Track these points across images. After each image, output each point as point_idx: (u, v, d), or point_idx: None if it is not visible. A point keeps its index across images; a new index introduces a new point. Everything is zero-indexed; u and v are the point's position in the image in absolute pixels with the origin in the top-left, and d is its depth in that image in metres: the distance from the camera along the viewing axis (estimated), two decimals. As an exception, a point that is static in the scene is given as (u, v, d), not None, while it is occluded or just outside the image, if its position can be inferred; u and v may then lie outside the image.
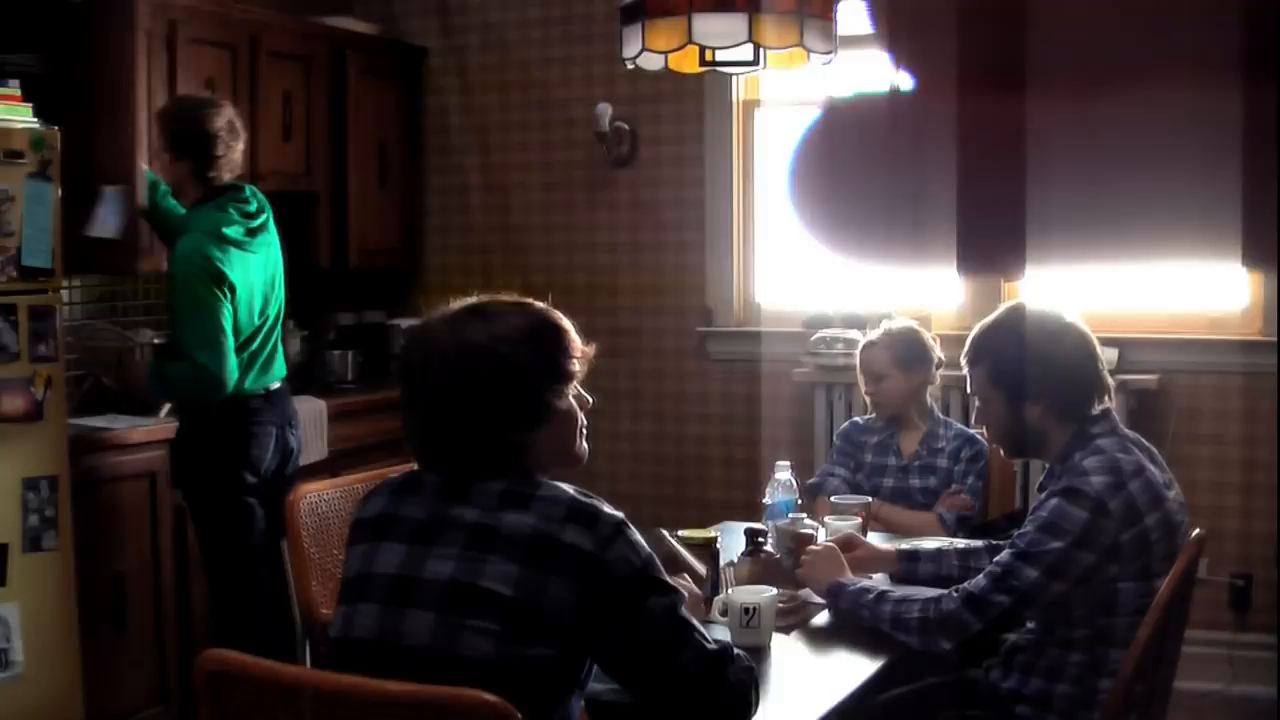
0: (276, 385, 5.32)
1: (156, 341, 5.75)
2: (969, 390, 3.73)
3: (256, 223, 5.18)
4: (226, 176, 5.16)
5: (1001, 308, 3.72)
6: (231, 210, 5.09)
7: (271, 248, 5.31)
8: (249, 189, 5.24)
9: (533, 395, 2.67)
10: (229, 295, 4.96)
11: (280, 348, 5.38)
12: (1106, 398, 3.56)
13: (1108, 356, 3.79)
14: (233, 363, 4.96)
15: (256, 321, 5.17)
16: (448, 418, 2.65)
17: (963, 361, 3.72)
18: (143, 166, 5.53)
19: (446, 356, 2.65)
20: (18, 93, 4.90)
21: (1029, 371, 3.51)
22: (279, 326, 5.37)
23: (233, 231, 5.04)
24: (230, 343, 4.96)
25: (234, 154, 5.16)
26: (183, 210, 5.18)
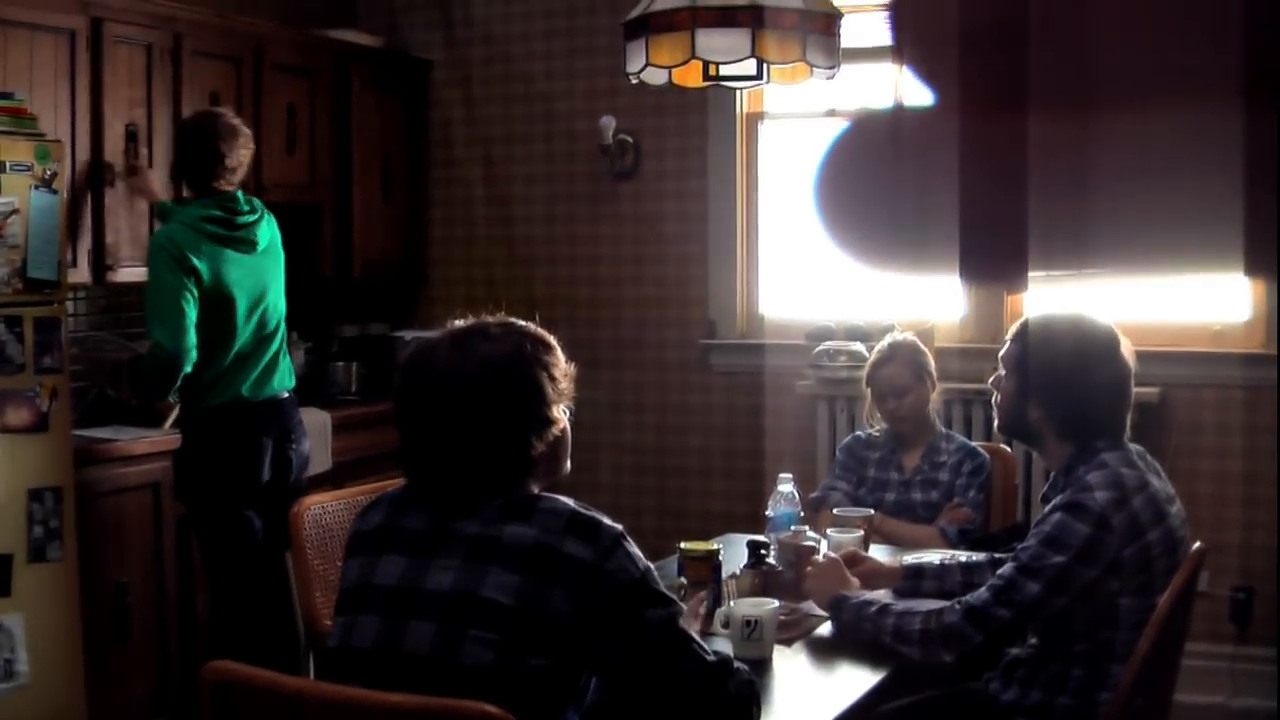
0: (279, 396, 5.33)
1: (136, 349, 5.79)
2: (999, 355, 3.70)
3: (243, 220, 5.19)
4: (223, 185, 5.20)
5: (1068, 310, 3.67)
6: (215, 209, 5.12)
7: (269, 256, 5.33)
8: (241, 195, 5.25)
9: (539, 413, 2.70)
10: (194, 280, 4.99)
11: (286, 359, 5.40)
12: (1119, 430, 3.54)
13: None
14: (190, 340, 4.97)
15: (246, 325, 5.19)
16: (453, 436, 2.67)
17: (1010, 332, 3.70)
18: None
19: (451, 376, 2.68)
20: (25, 105, 4.92)
21: (1051, 378, 3.51)
22: (279, 336, 5.37)
23: (211, 226, 5.08)
24: (189, 322, 4.96)
25: (222, 162, 5.19)
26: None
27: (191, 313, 4.98)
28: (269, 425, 5.27)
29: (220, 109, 5.48)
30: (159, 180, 5.80)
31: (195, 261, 5.00)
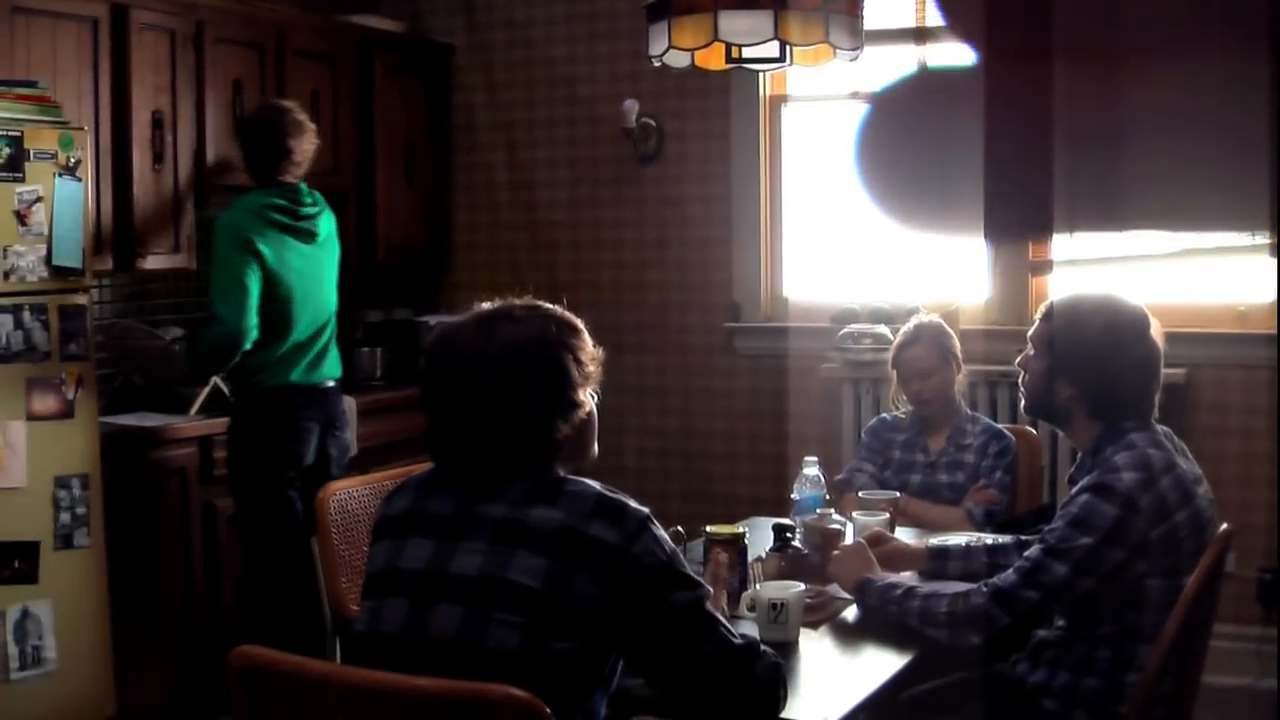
0: (325, 384, 5.46)
1: (159, 334, 5.87)
2: (1029, 335, 3.70)
3: (306, 212, 5.34)
4: (288, 177, 5.35)
5: (1100, 291, 3.65)
6: (279, 198, 5.26)
7: (326, 248, 5.48)
8: (304, 187, 5.40)
9: (565, 396, 2.70)
10: (257, 262, 5.12)
11: (334, 350, 5.52)
12: (1147, 409, 3.53)
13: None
14: (252, 319, 5.09)
15: (303, 313, 5.31)
16: (482, 420, 2.68)
17: (1040, 311, 3.69)
18: None
19: (475, 358, 2.68)
20: (48, 93, 4.93)
21: (1082, 356, 3.50)
22: (330, 327, 5.50)
23: (275, 214, 5.22)
24: (252, 301, 5.10)
25: (289, 156, 5.35)
26: None
27: (255, 291, 5.11)
28: (316, 411, 5.39)
29: (286, 103, 5.55)
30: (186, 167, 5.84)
31: (259, 245, 5.14)
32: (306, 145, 5.41)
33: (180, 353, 5.70)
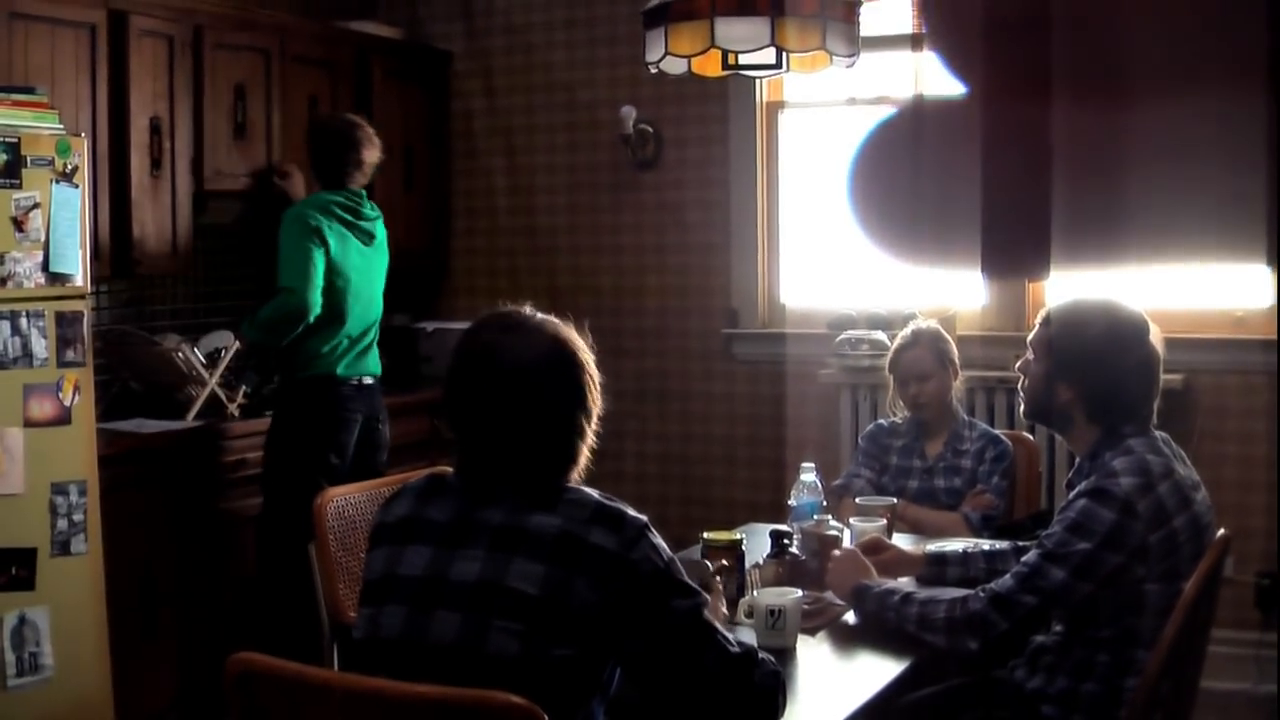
0: (369, 380, 5.74)
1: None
2: (1029, 340, 3.69)
3: (367, 214, 5.72)
4: (352, 183, 5.70)
5: (1100, 295, 3.66)
6: (345, 199, 5.62)
7: (380, 252, 5.83)
8: (365, 194, 5.78)
9: (589, 402, 2.74)
10: (323, 250, 5.48)
11: (376, 349, 5.83)
12: (1146, 415, 3.53)
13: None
14: (318, 295, 5.43)
15: (356, 308, 5.63)
16: (524, 424, 2.68)
17: (1039, 317, 3.69)
18: None
19: (519, 364, 2.68)
20: (46, 99, 4.93)
21: (1083, 359, 3.49)
22: (376, 328, 5.83)
23: (341, 210, 5.58)
24: (318, 277, 5.44)
25: (359, 165, 5.72)
26: None
27: (321, 269, 5.45)
28: (359, 404, 5.67)
29: (354, 117, 5.87)
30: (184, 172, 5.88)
31: (326, 234, 5.50)
32: (374, 157, 5.76)
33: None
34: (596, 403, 2.76)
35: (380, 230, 5.84)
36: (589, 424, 2.74)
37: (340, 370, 5.60)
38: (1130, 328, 3.52)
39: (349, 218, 5.62)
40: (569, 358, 2.72)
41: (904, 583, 3.72)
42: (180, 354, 5.77)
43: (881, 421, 5.11)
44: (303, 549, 5.33)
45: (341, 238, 5.58)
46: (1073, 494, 3.44)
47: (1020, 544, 3.83)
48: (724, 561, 3.69)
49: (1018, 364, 3.76)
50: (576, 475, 2.77)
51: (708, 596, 2.73)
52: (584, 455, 2.76)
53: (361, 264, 5.69)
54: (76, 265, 4.89)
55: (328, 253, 5.49)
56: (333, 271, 5.52)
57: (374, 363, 5.80)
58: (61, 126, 4.93)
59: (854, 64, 4.10)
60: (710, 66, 4.16)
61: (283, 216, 5.57)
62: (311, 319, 5.43)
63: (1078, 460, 3.61)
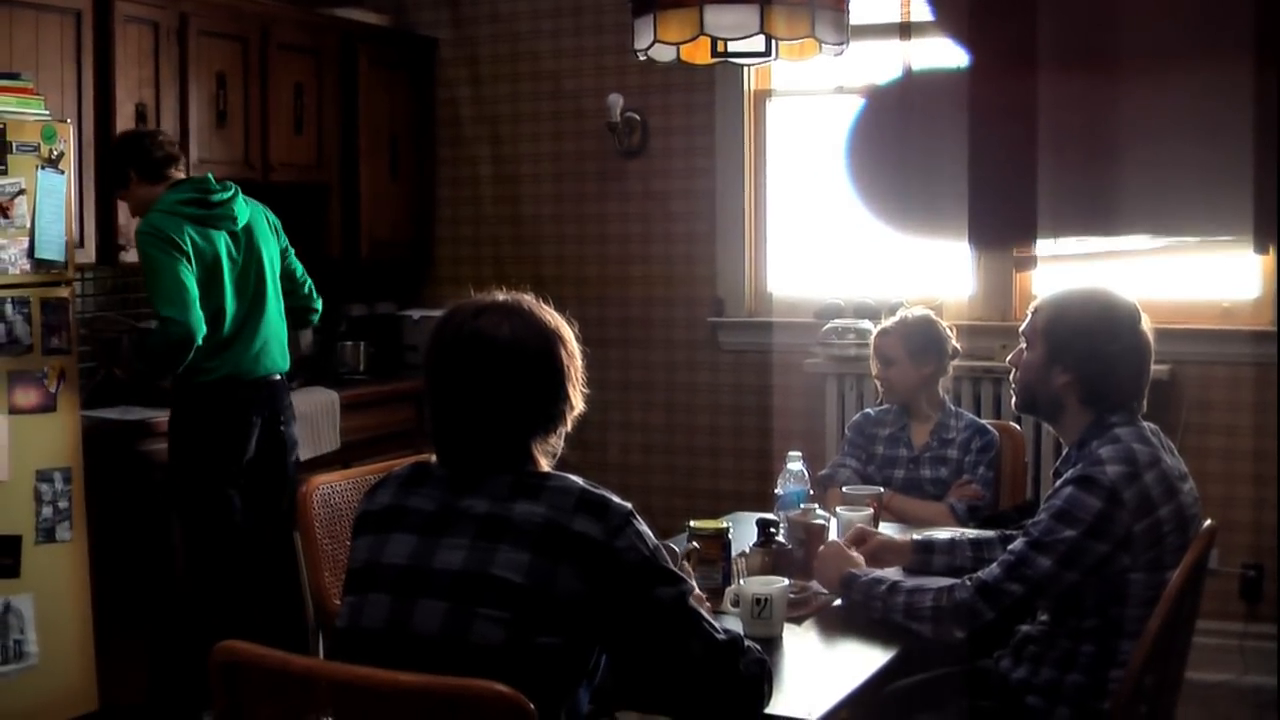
0: (271, 376, 5.38)
1: (140, 326, 5.81)
2: (1020, 331, 3.69)
3: (218, 198, 5.21)
4: (179, 174, 5.29)
5: (1091, 284, 3.67)
6: (189, 192, 5.17)
7: (253, 233, 5.36)
8: (211, 176, 5.29)
9: (566, 392, 2.74)
10: (184, 259, 5.04)
11: (279, 341, 5.44)
12: (1136, 406, 3.54)
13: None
14: (198, 314, 5.02)
15: (236, 301, 5.24)
16: (491, 412, 2.68)
17: (1030, 308, 3.69)
18: None
19: (492, 351, 2.67)
20: (31, 85, 4.91)
21: (1077, 341, 3.49)
22: (272, 316, 5.41)
23: (189, 208, 5.12)
24: (193, 296, 5.02)
25: (166, 149, 5.29)
26: None
27: (193, 287, 5.03)
28: (260, 404, 5.33)
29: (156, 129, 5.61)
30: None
31: (181, 242, 5.04)
32: (168, 143, 5.35)
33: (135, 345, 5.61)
34: (578, 374, 2.76)
35: (242, 210, 5.32)
36: (574, 391, 2.74)
37: (236, 370, 5.25)
38: (1123, 311, 3.52)
39: (197, 210, 5.14)
40: (543, 332, 2.72)
41: (891, 572, 3.71)
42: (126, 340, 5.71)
43: (868, 411, 5.11)
44: (223, 546, 5.30)
45: (197, 236, 5.12)
46: (1059, 482, 3.44)
47: (1007, 533, 3.82)
48: (694, 545, 3.68)
49: (1009, 357, 3.75)
50: (556, 443, 2.78)
51: (693, 584, 2.73)
52: (567, 422, 2.76)
53: (229, 253, 5.24)
54: (62, 252, 4.88)
55: (189, 260, 5.06)
56: (199, 275, 5.10)
57: (277, 358, 5.42)
58: (47, 112, 4.92)
59: (843, 52, 4.10)
60: (699, 54, 4.15)
61: (135, 236, 5.16)
62: (200, 341, 5.03)
63: (1065, 449, 3.61)
